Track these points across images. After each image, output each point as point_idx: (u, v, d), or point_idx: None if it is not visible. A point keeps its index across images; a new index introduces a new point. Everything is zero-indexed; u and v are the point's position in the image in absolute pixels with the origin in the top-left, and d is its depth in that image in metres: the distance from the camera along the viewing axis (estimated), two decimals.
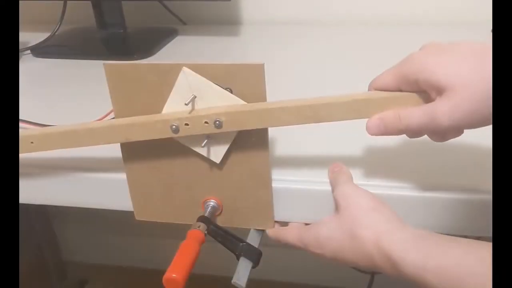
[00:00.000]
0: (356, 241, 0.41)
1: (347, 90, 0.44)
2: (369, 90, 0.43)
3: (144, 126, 0.44)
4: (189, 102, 0.42)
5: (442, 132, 0.40)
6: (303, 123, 0.42)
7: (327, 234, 0.43)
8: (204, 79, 0.42)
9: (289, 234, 0.47)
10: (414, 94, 0.40)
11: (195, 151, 0.45)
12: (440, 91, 0.37)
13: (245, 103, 0.42)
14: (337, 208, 0.44)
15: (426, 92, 0.39)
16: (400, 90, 0.41)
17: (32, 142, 0.47)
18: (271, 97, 0.43)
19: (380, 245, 0.39)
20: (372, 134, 0.41)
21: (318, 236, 0.44)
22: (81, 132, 0.46)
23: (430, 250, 0.37)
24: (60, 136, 0.46)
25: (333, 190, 0.45)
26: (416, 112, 0.39)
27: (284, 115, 0.42)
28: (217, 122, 0.42)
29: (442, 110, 0.37)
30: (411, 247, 0.38)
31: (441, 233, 0.46)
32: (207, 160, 0.46)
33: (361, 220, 0.41)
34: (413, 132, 0.41)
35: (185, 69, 0.41)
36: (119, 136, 0.45)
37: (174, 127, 0.43)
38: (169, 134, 0.43)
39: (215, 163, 0.46)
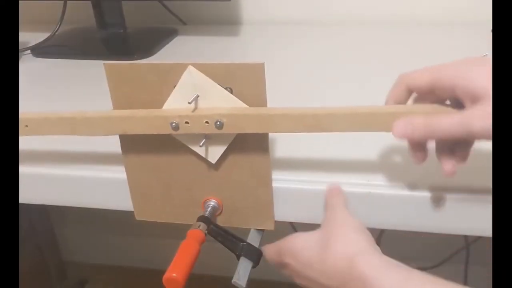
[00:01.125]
0: (328, 253, 0.39)
1: (347, 90, 0.44)
2: (398, 82, 0.42)
3: (143, 120, 0.44)
4: (192, 101, 0.42)
5: (470, 140, 0.40)
6: (305, 132, 0.42)
7: (302, 245, 0.42)
8: (209, 79, 0.42)
9: (270, 249, 0.46)
10: (421, 108, 0.40)
11: (194, 151, 0.45)
12: (475, 99, 0.37)
13: (247, 106, 0.42)
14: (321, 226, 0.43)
15: (456, 101, 0.39)
16: (431, 93, 0.40)
17: (26, 126, 0.46)
18: (271, 97, 0.43)
19: (354, 265, 0.37)
20: (398, 136, 0.40)
21: (294, 245, 0.43)
22: (79, 120, 0.45)
23: (410, 277, 0.35)
24: (56, 121, 0.45)
25: (325, 211, 0.45)
26: (447, 118, 0.38)
27: (286, 122, 0.42)
28: (218, 123, 0.42)
29: (477, 115, 0.36)
30: (390, 272, 0.36)
31: (442, 233, 0.46)
32: (206, 160, 0.46)
33: (339, 236, 0.40)
34: (440, 137, 0.40)
35: (190, 67, 0.41)
36: (116, 128, 0.45)
37: (174, 124, 0.43)
38: (168, 130, 0.43)
39: (215, 163, 0.46)
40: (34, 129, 0.46)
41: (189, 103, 0.42)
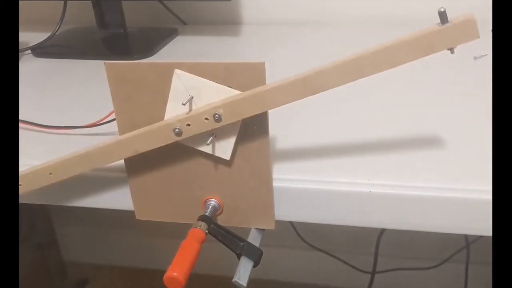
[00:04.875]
0: None
1: (347, 89, 0.44)
2: None
3: (150, 135, 0.44)
4: (186, 102, 0.42)
5: None
6: (300, 98, 0.42)
7: None
8: (197, 77, 0.42)
9: None
10: (408, 37, 0.38)
11: (198, 151, 0.45)
12: None
13: (240, 92, 0.42)
14: None
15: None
16: None
17: (50, 173, 0.47)
18: None
19: None
20: None
21: None
22: (94, 153, 0.46)
23: None
24: (75, 161, 0.47)
25: None
26: None
27: (280, 95, 0.41)
28: (217, 116, 0.42)
29: None
30: None
31: (442, 233, 0.46)
32: (208, 159, 0.46)
33: None
34: None
35: (176, 71, 0.42)
36: (128, 150, 0.45)
37: (176, 130, 0.43)
38: (174, 138, 0.44)
39: (216, 162, 0.46)
40: (58, 175, 0.47)
41: (183, 104, 0.42)
